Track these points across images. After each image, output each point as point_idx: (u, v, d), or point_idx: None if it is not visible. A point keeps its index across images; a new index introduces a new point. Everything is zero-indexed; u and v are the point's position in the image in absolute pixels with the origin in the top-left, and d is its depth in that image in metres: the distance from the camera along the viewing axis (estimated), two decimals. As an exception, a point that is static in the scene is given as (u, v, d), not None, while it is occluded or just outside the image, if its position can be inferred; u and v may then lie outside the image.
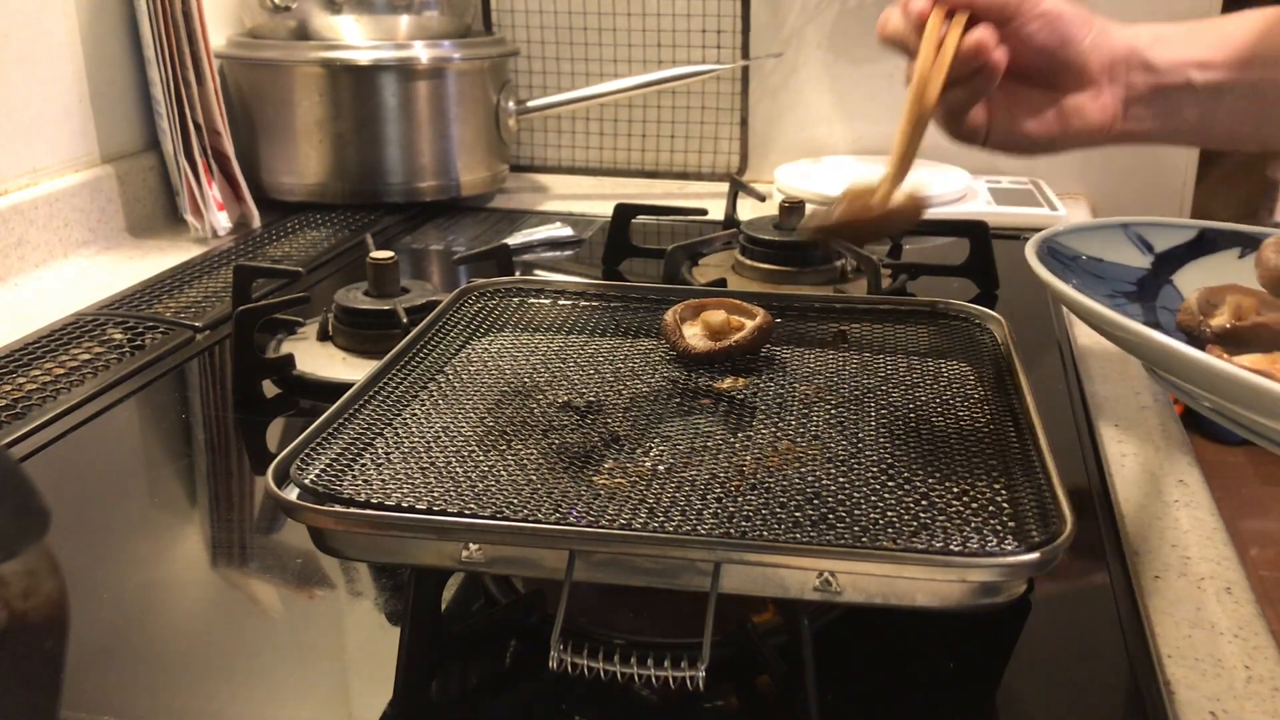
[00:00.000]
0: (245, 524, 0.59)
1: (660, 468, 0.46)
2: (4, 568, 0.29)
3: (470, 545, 0.41)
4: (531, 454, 0.47)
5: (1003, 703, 0.45)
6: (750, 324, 0.57)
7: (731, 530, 0.41)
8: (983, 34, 0.58)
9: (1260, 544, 2.10)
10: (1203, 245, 0.63)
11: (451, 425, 0.49)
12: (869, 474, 0.45)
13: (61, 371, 0.75)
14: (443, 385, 0.54)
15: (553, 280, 0.67)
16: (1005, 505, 0.43)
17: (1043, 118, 0.63)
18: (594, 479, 0.45)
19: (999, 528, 0.41)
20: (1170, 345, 0.43)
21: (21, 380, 0.73)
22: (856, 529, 0.41)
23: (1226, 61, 0.62)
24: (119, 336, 0.81)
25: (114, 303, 0.89)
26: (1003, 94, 0.62)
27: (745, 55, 1.31)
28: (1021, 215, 1.13)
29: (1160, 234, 0.63)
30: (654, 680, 0.38)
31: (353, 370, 0.72)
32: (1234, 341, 0.56)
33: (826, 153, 1.34)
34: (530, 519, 0.42)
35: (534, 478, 0.45)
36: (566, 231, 1.09)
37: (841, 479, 0.45)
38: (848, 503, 0.43)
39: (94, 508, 0.60)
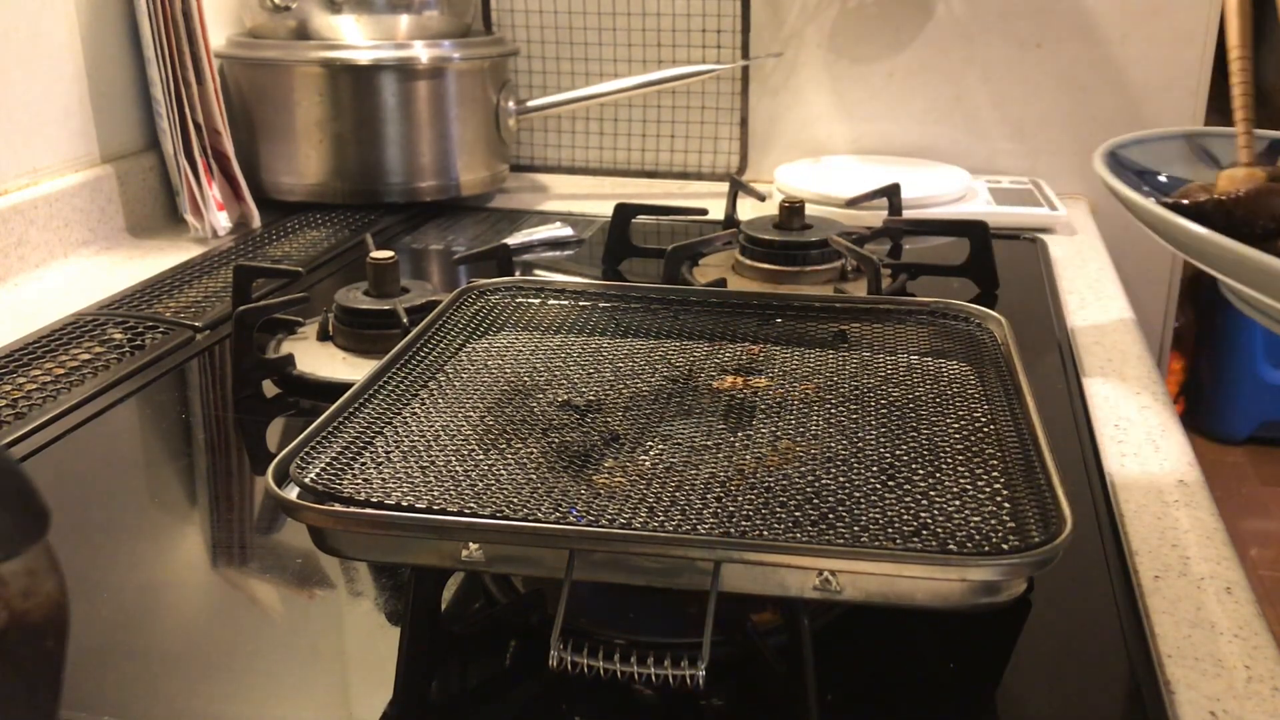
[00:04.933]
0: (245, 524, 0.59)
1: (660, 467, 0.46)
2: (4, 568, 0.28)
3: (470, 545, 0.41)
4: (531, 453, 0.47)
5: (1003, 703, 0.45)
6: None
7: (731, 530, 0.41)
8: None
9: (1260, 544, 2.09)
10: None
11: (451, 424, 0.49)
12: (869, 474, 0.45)
13: (61, 371, 0.75)
14: (442, 384, 0.54)
15: (553, 280, 0.67)
16: (1005, 505, 0.43)
17: None
18: (594, 478, 0.45)
19: (999, 527, 0.41)
20: (1238, 250, 0.40)
21: (21, 380, 0.73)
22: (856, 528, 0.41)
23: None
24: (119, 336, 0.81)
25: (114, 303, 0.88)
26: None
27: (745, 55, 1.31)
28: (1021, 215, 1.12)
29: (1227, 146, 0.61)
30: (654, 680, 0.38)
31: (353, 370, 0.72)
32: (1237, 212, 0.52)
33: (826, 153, 1.34)
34: (530, 518, 0.42)
35: (534, 477, 0.45)
36: (566, 231, 1.09)
37: (841, 479, 0.45)
38: (848, 502, 0.43)
39: (94, 508, 0.60)
